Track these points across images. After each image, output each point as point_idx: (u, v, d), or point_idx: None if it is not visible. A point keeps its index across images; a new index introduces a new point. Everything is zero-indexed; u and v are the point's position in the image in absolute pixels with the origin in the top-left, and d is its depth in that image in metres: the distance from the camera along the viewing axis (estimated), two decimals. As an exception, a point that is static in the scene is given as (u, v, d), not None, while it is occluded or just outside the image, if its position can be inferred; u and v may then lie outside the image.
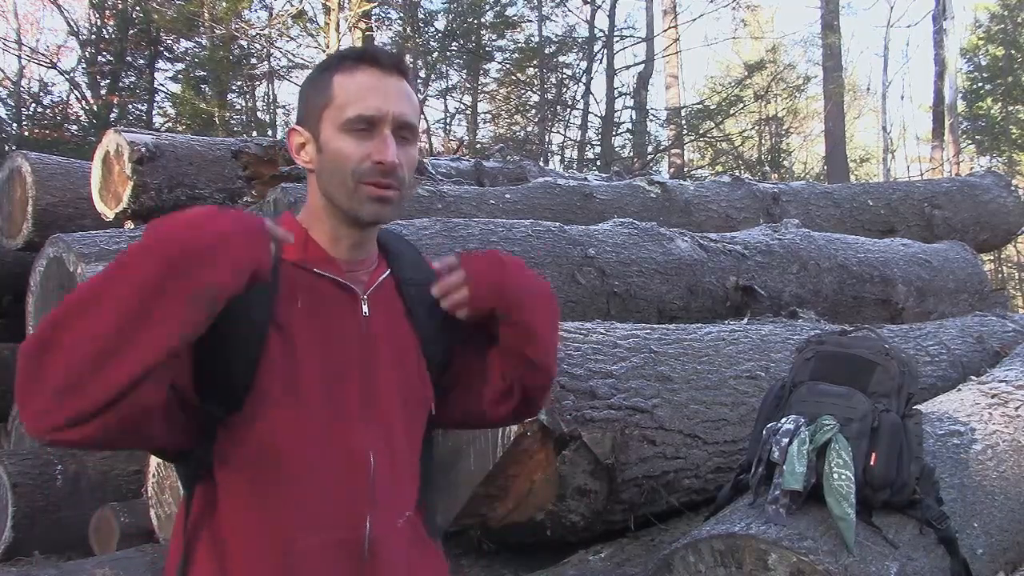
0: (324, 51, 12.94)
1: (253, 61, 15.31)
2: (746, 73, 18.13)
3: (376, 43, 14.76)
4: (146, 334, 1.02)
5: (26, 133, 13.53)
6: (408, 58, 16.91)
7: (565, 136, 18.16)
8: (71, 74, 14.95)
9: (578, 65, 17.51)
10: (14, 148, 10.72)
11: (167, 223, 1.09)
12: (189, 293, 1.04)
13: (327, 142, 1.26)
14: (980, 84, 18.98)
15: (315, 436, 1.21)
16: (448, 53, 16.95)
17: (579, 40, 17.23)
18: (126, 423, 1.05)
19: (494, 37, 17.70)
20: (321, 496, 1.20)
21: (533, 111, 17.80)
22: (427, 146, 16.60)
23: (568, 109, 17.72)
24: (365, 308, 1.27)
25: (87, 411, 1.01)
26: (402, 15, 15.94)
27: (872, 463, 1.93)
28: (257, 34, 14.36)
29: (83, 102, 14.64)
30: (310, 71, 1.38)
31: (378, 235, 1.36)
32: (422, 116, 16.80)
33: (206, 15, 13.19)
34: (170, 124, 14.69)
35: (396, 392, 1.27)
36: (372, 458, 1.22)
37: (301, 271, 1.26)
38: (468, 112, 19.21)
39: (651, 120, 17.84)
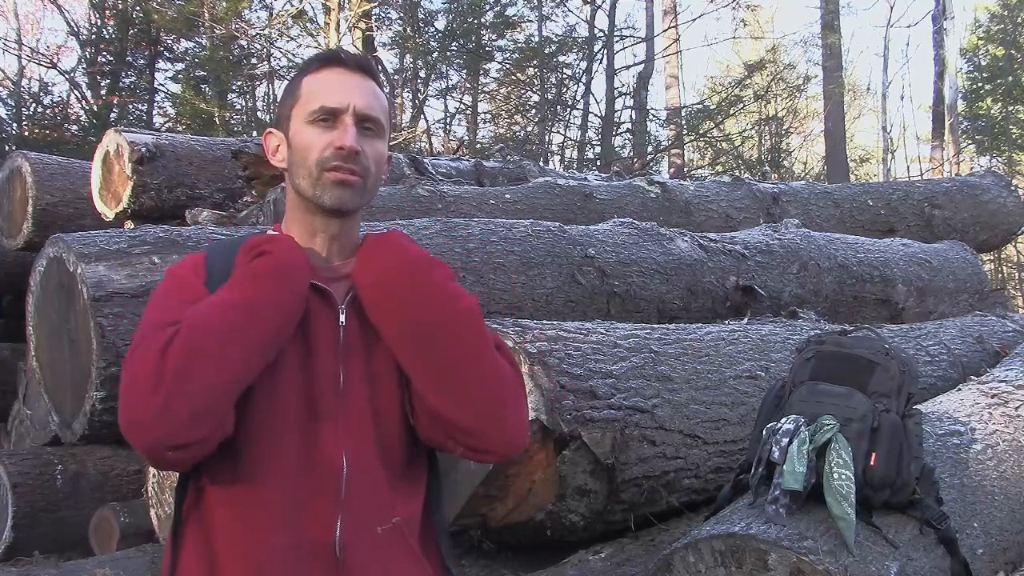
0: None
1: (253, 61, 15.29)
2: (746, 73, 18.10)
3: (376, 43, 14.76)
4: (257, 369, 1.20)
5: (26, 133, 13.50)
6: (408, 58, 16.97)
7: (565, 136, 18.16)
8: (71, 74, 14.96)
9: (578, 65, 17.50)
10: (14, 148, 10.71)
11: (270, 270, 1.24)
12: (284, 337, 1.23)
13: (294, 136, 1.32)
14: (980, 84, 18.95)
15: (290, 439, 1.23)
16: (448, 53, 16.92)
17: (579, 40, 17.21)
18: (214, 446, 1.18)
19: (494, 37, 17.67)
20: (293, 498, 1.22)
21: (533, 111, 17.78)
22: (427, 146, 16.60)
23: (568, 109, 17.71)
24: (342, 316, 1.29)
25: (207, 434, 1.15)
26: (402, 15, 15.93)
27: (872, 463, 1.93)
28: (257, 34, 14.36)
29: (83, 102, 14.62)
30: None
31: (363, 243, 1.37)
32: (422, 116, 16.90)
33: (206, 15, 13.17)
34: (170, 124, 14.66)
35: (368, 401, 1.28)
36: (344, 464, 1.24)
37: None
38: (468, 112, 19.21)
39: (651, 120, 17.82)
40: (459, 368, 1.24)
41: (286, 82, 1.42)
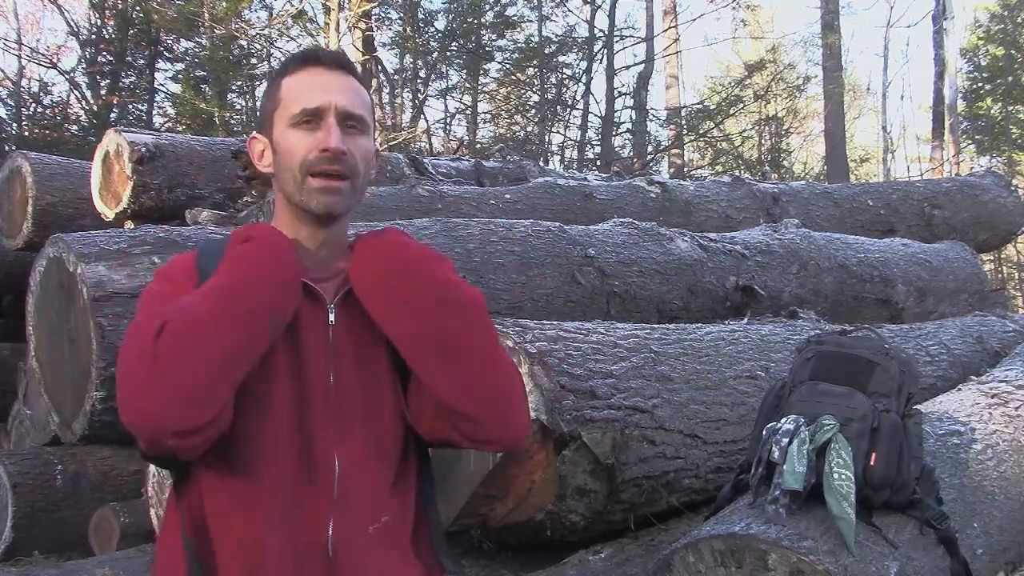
0: (324, 51, 12.89)
1: (253, 61, 15.29)
2: (746, 73, 18.11)
3: (376, 43, 14.77)
4: (251, 354, 1.18)
5: (26, 133, 13.50)
6: (408, 58, 16.97)
7: (565, 136, 18.17)
8: (71, 74, 14.95)
9: (578, 65, 17.52)
10: (14, 148, 10.70)
11: (253, 254, 1.23)
12: (274, 322, 1.21)
13: (278, 141, 1.31)
14: (980, 84, 18.98)
15: (283, 439, 1.23)
16: (448, 53, 16.94)
17: (579, 40, 17.22)
18: (213, 438, 1.16)
19: (494, 37, 17.68)
20: (287, 498, 1.22)
21: (533, 111, 17.78)
22: (427, 146, 16.60)
23: (568, 109, 17.71)
24: (332, 316, 1.29)
25: (209, 418, 1.13)
26: (402, 15, 15.94)
27: (872, 463, 1.93)
28: (257, 34, 14.37)
29: (83, 102, 14.61)
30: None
31: (353, 243, 1.36)
32: (422, 116, 16.90)
33: (206, 15, 13.17)
34: (170, 124, 14.66)
35: (360, 401, 1.28)
36: (337, 463, 1.23)
37: None
38: (468, 112, 19.21)
39: (651, 120, 17.83)
40: (466, 358, 1.24)
41: (265, 84, 1.41)
